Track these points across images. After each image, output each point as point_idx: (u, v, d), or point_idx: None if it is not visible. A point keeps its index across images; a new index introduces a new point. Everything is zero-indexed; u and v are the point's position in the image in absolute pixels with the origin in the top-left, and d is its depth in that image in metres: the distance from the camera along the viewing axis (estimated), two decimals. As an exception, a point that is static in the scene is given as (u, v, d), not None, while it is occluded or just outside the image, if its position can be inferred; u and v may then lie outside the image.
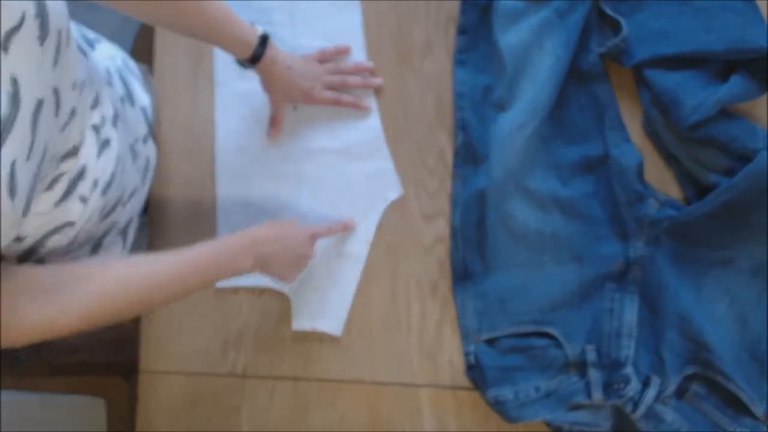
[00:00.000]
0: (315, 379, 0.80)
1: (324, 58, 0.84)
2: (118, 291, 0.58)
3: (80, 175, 0.60)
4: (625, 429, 0.72)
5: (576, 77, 0.78)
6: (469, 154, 0.79)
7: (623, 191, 0.74)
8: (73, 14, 0.52)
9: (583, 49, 0.78)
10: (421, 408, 0.77)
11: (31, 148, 0.48)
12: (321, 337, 0.81)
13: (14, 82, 0.46)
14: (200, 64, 0.89)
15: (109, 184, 0.65)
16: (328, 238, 0.81)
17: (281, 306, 0.81)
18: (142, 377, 0.85)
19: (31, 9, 0.46)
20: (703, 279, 0.71)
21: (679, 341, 0.70)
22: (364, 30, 0.85)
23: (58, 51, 0.51)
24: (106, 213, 0.68)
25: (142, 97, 0.82)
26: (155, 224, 0.87)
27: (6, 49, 0.45)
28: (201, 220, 0.86)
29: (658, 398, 0.69)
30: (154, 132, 0.85)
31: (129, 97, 0.77)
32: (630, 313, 0.73)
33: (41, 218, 0.58)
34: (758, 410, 0.68)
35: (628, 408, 0.69)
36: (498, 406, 0.72)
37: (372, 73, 0.84)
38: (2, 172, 0.45)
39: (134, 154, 0.73)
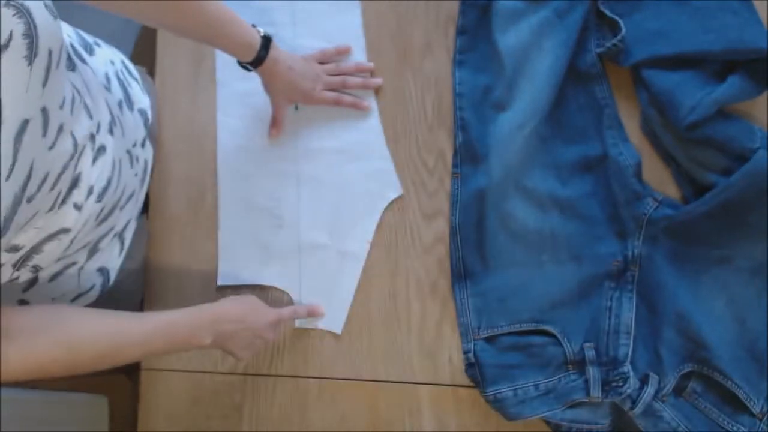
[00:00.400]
0: (315, 377, 0.81)
1: (324, 58, 0.84)
2: (85, 343, 0.58)
3: (74, 183, 0.60)
4: (623, 427, 0.72)
5: (575, 77, 0.78)
6: (469, 154, 0.79)
7: (621, 191, 0.74)
8: (74, 16, 0.52)
9: (581, 49, 0.78)
10: (420, 406, 0.78)
11: (12, 168, 0.47)
12: (321, 336, 0.81)
13: None
14: (201, 64, 0.89)
15: (104, 190, 0.65)
16: (329, 238, 0.82)
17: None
18: (144, 375, 0.85)
19: (19, 28, 0.45)
20: (701, 278, 0.71)
21: (677, 339, 0.70)
22: (364, 30, 0.85)
23: (48, 70, 0.50)
24: (103, 218, 0.68)
25: (142, 100, 0.82)
26: (155, 225, 0.87)
27: None
28: (201, 220, 0.86)
29: (656, 396, 0.70)
30: (153, 134, 0.85)
31: (127, 100, 0.77)
32: (628, 312, 0.73)
33: (35, 228, 0.57)
34: (756, 408, 0.68)
35: (627, 406, 0.70)
36: (497, 404, 0.73)
37: (372, 73, 0.84)
38: None
39: (131, 159, 0.73)
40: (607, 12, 0.77)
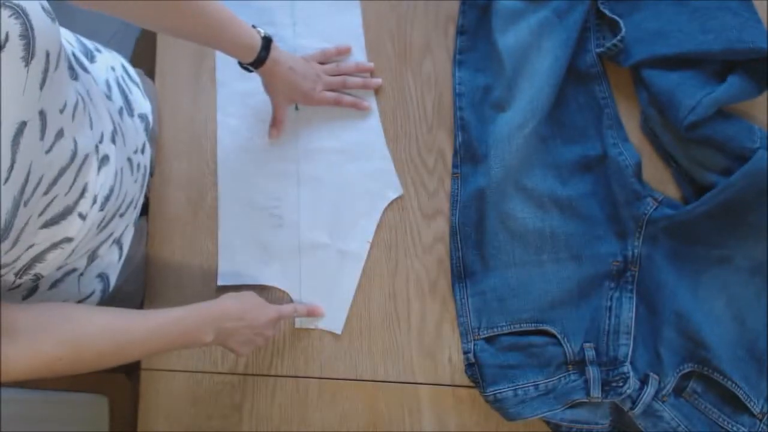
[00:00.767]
0: (315, 377, 0.81)
1: (324, 58, 0.84)
2: (89, 342, 0.58)
3: (81, 193, 0.60)
4: (623, 427, 0.72)
5: (574, 77, 0.78)
6: (469, 154, 0.79)
7: (621, 190, 0.74)
8: (74, 20, 0.51)
9: (581, 50, 0.79)
10: (420, 406, 0.78)
11: (10, 171, 0.47)
12: (321, 336, 0.81)
13: None
14: (201, 64, 0.89)
15: (107, 199, 0.65)
16: (329, 238, 0.82)
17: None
18: (144, 375, 0.85)
19: (15, 29, 0.45)
20: (701, 277, 0.71)
21: (677, 339, 0.70)
22: (364, 30, 0.85)
23: (45, 73, 0.49)
24: (104, 225, 0.68)
25: (142, 105, 0.82)
26: (155, 224, 0.87)
27: None
28: (201, 220, 0.86)
29: (656, 396, 0.70)
30: (153, 136, 0.85)
31: (128, 107, 0.77)
32: (628, 312, 0.73)
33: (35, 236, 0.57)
34: (756, 408, 0.68)
35: (627, 406, 0.70)
36: (497, 404, 0.73)
37: (372, 73, 0.84)
38: None
39: (132, 166, 0.73)
40: (607, 12, 0.77)
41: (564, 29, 0.77)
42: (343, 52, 0.85)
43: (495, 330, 0.75)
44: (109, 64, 0.77)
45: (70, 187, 0.58)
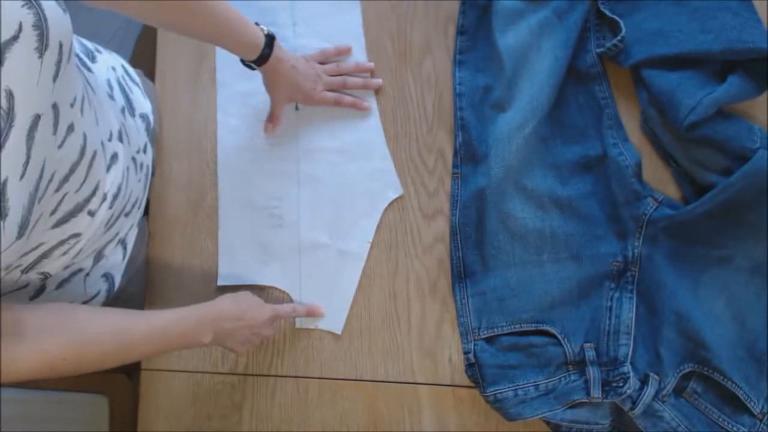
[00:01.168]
0: (315, 377, 0.81)
1: (324, 58, 0.84)
2: (94, 342, 0.58)
3: (93, 191, 0.60)
4: (623, 427, 0.72)
5: (575, 77, 0.78)
6: (469, 154, 0.79)
7: (621, 190, 0.74)
8: (74, 21, 0.50)
9: (581, 50, 0.79)
10: (420, 406, 0.78)
11: (26, 167, 0.46)
12: (321, 336, 0.81)
13: (9, 95, 0.44)
14: (201, 64, 0.89)
15: (115, 197, 0.65)
16: (329, 238, 0.82)
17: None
18: (145, 375, 0.85)
19: (29, 19, 0.44)
20: (701, 277, 0.71)
21: (677, 339, 0.70)
22: (364, 30, 0.85)
23: (58, 65, 0.48)
24: (111, 224, 0.68)
25: (143, 105, 0.82)
26: (155, 225, 0.87)
27: (1, 62, 0.43)
28: (201, 220, 0.86)
29: (656, 396, 0.70)
30: (154, 136, 0.85)
31: (129, 107, 0.77)
32: (628, 312, 0.73)
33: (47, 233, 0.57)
34: (756, 408, 0.68)
35: (627, 406, 0.70)
36: (497, 404, 0.73)
37: (372, 73, 0.84)
38: None
39: (136, 165, 0.74)
40: (607, 12, 0.77)
41: (564, 29, 0.77)
42: (343, 52, 0.85)
43: (495, 330, 0.75)
44: (110, 65, 0.78)
45: (81, 185, 0.58)
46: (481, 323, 0.76)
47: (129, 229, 0.76)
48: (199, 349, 0.84)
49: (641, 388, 0.69)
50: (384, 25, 0.85)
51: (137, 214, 0.77)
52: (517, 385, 0.72)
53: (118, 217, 0.69)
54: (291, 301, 0.82)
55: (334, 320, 0.81)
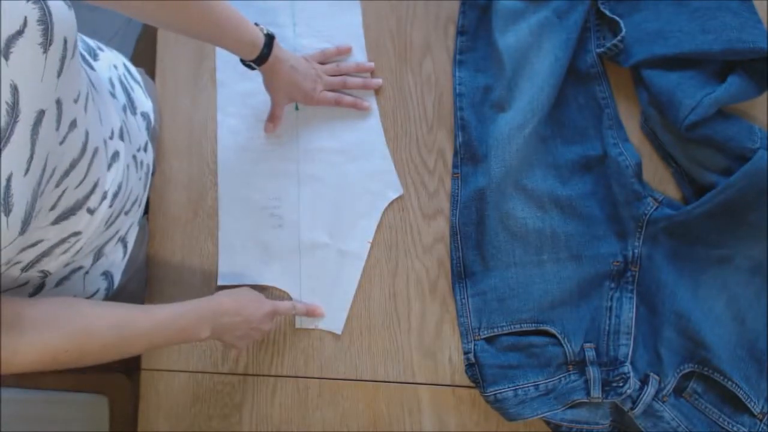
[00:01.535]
0: (315, 377, 0.81)
1: (324, 58, 0.84)
2: (95, 335, 0.58)
3: (92, 188, 0.60)
4: (623, 427, 0.73)
5: (575, 77, 0.78)
6: (469, 154, 0.79)
7: (621, 191, 0.74)
8: (76, 18, 0.51)
9: (581, 50, 0.79)
10: (420, 406, 0.78)
11: (30, 162, 0.46)
12: (321, 336, 0.81)
13: (14, 90, 0.44)
14: (201, 64, 0.89)
15: (116, 195, 0.65)
16: (329, 238, 0.82)
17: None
18: (145, 375, 0.85)
19: (34, 14, 0.44)
20: (701, 277, 0.71)
21: (677, 339, 0.70)
22: (364, 30, 0.85)
23: (63, 60, 0.48)
24: (111, 222, 0.68)
25: (144, 103, 0.82)
26: (156, 224, 0.87)
27: (6, 56, 0.42)
28: (201, 220, 0.86)
29: (656, 396, 0.70)
30: (154, 135, 0.85)
31: (131, 105, 0.77)
32: (628, 312, 0.73)
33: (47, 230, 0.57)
34: (756, 408, 0.68)
35: (627, 406, 0.70)
36: (497, 404, 0.73)
37: (372, 73, 0.84)
38: None
39: (137, 164, 0.74)
40: (607, 12, 0.77)
41: (564, 29, 0.77)
42: (344, 52, 0.85)
43: (495, 330, 0.75)
44: (112, 63, 0.78)
45: (81, 181, 0.58)
46: (481, 323, 0.76)
47: (129, 227, 0.76)
48: (200, 348, 0.84)
49: (641, 388, 0.69)
50: (384, 25, 0.85)
51: (137, 212, 0.77)
52: (517, 385, 0.72)
53: (118, 216, 0.69)
54: (291, 300, 0.82)
55: (334, 320, 0.81)
